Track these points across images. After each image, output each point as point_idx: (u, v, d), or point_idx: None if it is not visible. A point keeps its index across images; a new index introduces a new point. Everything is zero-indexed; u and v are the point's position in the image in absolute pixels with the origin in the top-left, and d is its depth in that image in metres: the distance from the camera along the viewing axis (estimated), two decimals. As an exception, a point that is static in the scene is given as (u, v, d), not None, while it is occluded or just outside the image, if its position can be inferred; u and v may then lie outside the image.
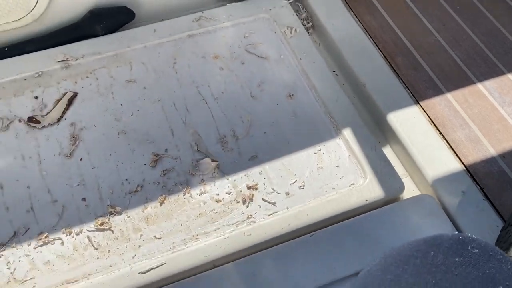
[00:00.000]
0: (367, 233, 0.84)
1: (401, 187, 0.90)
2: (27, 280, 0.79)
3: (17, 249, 0.82)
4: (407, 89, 1.04)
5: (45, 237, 0.83)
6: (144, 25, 1.14)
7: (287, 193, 0.89)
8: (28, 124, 0.97)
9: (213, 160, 0.92)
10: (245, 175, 0.91)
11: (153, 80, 1.05)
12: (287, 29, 1.14)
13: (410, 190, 0.95)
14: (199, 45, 1.11)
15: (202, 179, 0.91)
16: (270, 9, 1.18)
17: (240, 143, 0.96)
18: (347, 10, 1.19)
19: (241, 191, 0.89)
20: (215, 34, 1.14)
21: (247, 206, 0.87)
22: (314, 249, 0.82)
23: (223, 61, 1.09)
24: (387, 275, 0.49)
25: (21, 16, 1.06)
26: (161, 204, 0.87)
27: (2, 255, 0.81)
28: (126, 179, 0.90)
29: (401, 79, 1.06)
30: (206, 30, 1.14)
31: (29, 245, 0.82)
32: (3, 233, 0.83)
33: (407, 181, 0.96)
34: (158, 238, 0.83)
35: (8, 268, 0.80)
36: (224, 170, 0.92)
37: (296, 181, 0.91)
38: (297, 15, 1.19)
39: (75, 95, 1.02)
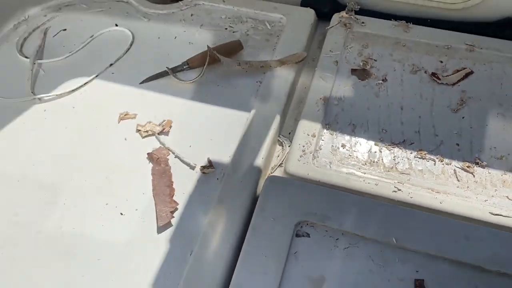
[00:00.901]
0: None
1: None
2: (405, 174, 1.07)
3: (402, 151, 1.11)
4: None
5: (424, 154, 1.10)
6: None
7: None
8: (430, 77, 1.26)
9: None
10: None
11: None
12: None
13: None
14: None
15: (559, 179, 1.05)
16: None
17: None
18: None
19: None
20: None
21: None
22: None
23: None
24: None
25: (456, 2, 1.35)
26: (518, 178, 1.06)
27: (393, 151, 1.12)
28: (495, 147, 1.11)
29: None
30: None
31: (410, 153, 1.11)
32: (396, 137, 1.14)
33: None
34: (510, 199, 1.02)
35: (394, 160, 1.10)
36: None
37: None
38: None
39: (471, 72, 1.27)
